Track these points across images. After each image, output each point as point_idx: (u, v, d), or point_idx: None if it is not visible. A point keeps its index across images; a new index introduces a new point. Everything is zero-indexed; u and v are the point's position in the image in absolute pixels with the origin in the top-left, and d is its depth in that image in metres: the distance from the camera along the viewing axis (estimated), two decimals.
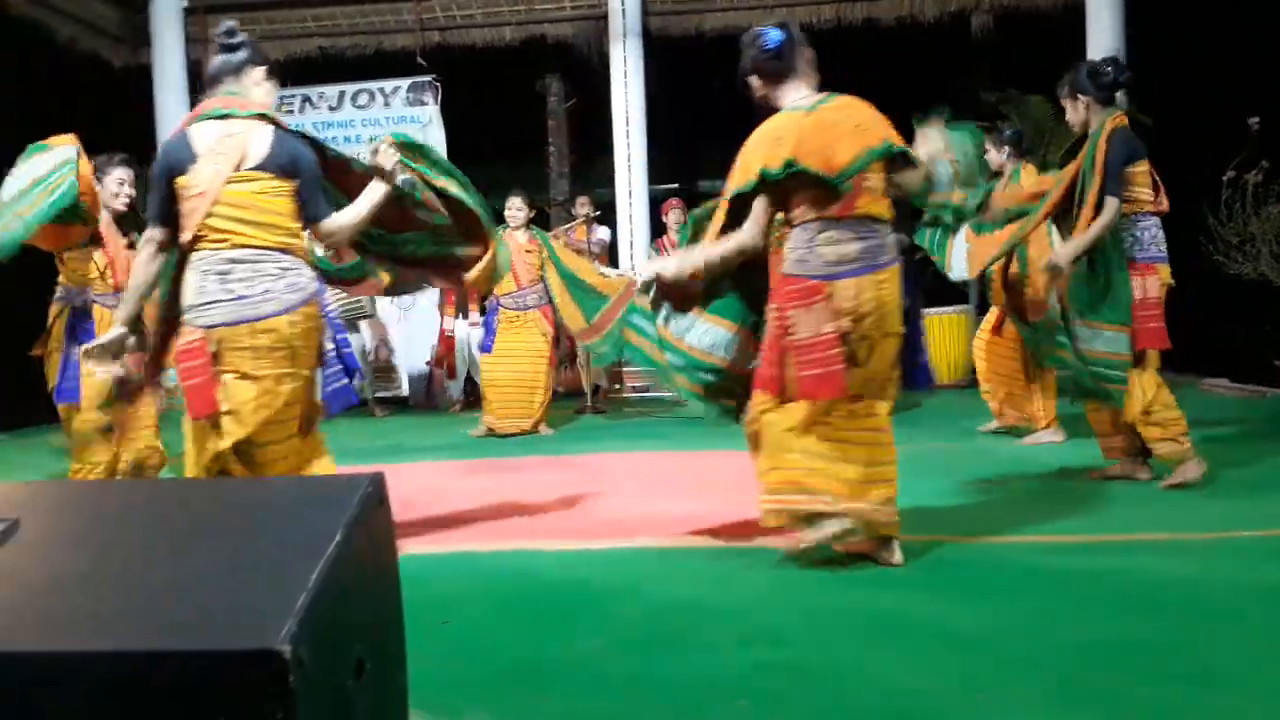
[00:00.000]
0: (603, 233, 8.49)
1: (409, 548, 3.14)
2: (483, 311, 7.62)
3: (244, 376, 2.85)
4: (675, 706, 2.05)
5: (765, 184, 2.98)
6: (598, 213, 8.19)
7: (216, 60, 3.11)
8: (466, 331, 8.31)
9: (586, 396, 8.01)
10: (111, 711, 1.30)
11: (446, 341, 8.45)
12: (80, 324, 4.16)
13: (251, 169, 2.90)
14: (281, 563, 1.41)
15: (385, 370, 8.86)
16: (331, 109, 10.12)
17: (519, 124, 10.83)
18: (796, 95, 3.10)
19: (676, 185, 11.78)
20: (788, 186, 2.98)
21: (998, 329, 5.57)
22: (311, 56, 10.18)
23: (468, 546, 3.51)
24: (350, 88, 10.04)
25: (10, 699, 1.29)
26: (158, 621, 1.35)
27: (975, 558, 3.11)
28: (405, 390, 9.02)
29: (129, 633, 1.33)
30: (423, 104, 9.85)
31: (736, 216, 3.10)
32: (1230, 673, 2.14)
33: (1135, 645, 2.31)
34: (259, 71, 3.13)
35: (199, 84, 10.22)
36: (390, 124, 9.89)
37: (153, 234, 3.02)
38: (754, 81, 3.18)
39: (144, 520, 1.59)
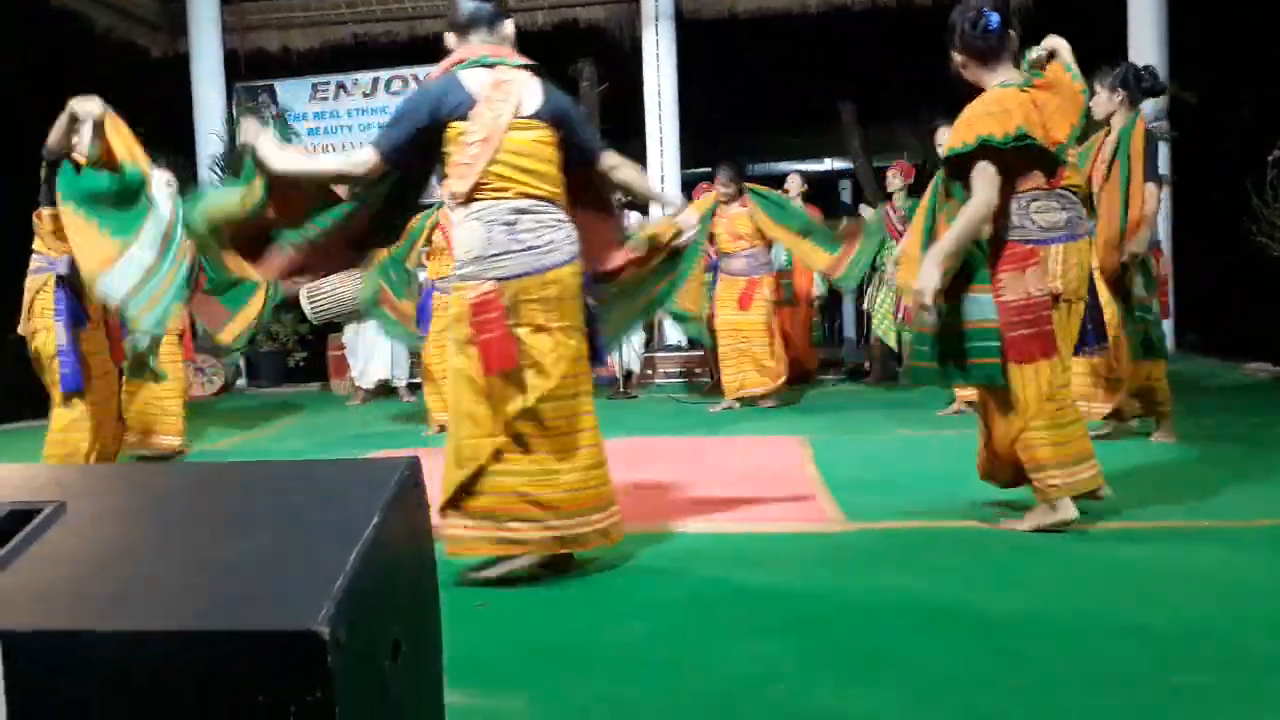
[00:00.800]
0: (634, 218, 8.47)
1: (446, 531, 3.16)
2: None
3: (539, 329, 2.81)
4: (712, 691, 2.06)
5: (989, 150, 3.03)
6: (628, 198, 8.18)
7: (466, 8, 3.03)
8: None
9: (619, 382, 8.02)
10: (151, 689, 1.32)
11: None
12: (68, 298, 3.88)
13: (528, 117, 2.85)
14: (320, 545, 1.42)
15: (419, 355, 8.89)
16: (365, 95, 10.18)
17: None
18: (1006, 74, 3.18)
19: (709, 169, 11.73)
20: (1009, 158, 3.06)
21: None
22: (345, 43, 10.24)
23: None
24: (384, 74, 10.09)
25: (53, 677, 1.32)
26: (199, 602, 1.37)
27: (1010, 544, 3.09)
28: None
29: (170, 613, 1.35)
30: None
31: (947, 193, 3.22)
32: (1268, 659, 2.11)
33: (1172, 632, 2.29)
34: (509, 24, 3.13)
35: (236, 71, 10.33)
36: None
37: (371, 160, 2.81)
38: (960, 58, 3.25)
39: (186, 502, 1.61)
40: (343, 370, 8.70)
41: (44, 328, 3.86)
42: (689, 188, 8.88)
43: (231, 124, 10.05)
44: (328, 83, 10.20)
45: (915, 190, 7.49)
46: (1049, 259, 3.10)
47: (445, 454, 2.87)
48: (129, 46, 9.91)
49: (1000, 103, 3.07)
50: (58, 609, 1.37)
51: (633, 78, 9.80)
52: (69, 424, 3.94)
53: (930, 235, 3.28)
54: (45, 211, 3.83)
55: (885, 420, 5.95)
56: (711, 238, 6.96)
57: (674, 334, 9.46)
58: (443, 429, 6.26)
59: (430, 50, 9.90)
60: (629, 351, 8.01)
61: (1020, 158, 3.06)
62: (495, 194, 2.79)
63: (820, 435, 5.38)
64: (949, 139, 3.17)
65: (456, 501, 2.83)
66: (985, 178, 3.03)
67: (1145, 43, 8.68)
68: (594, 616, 2.59)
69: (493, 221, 2.78)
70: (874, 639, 2.32)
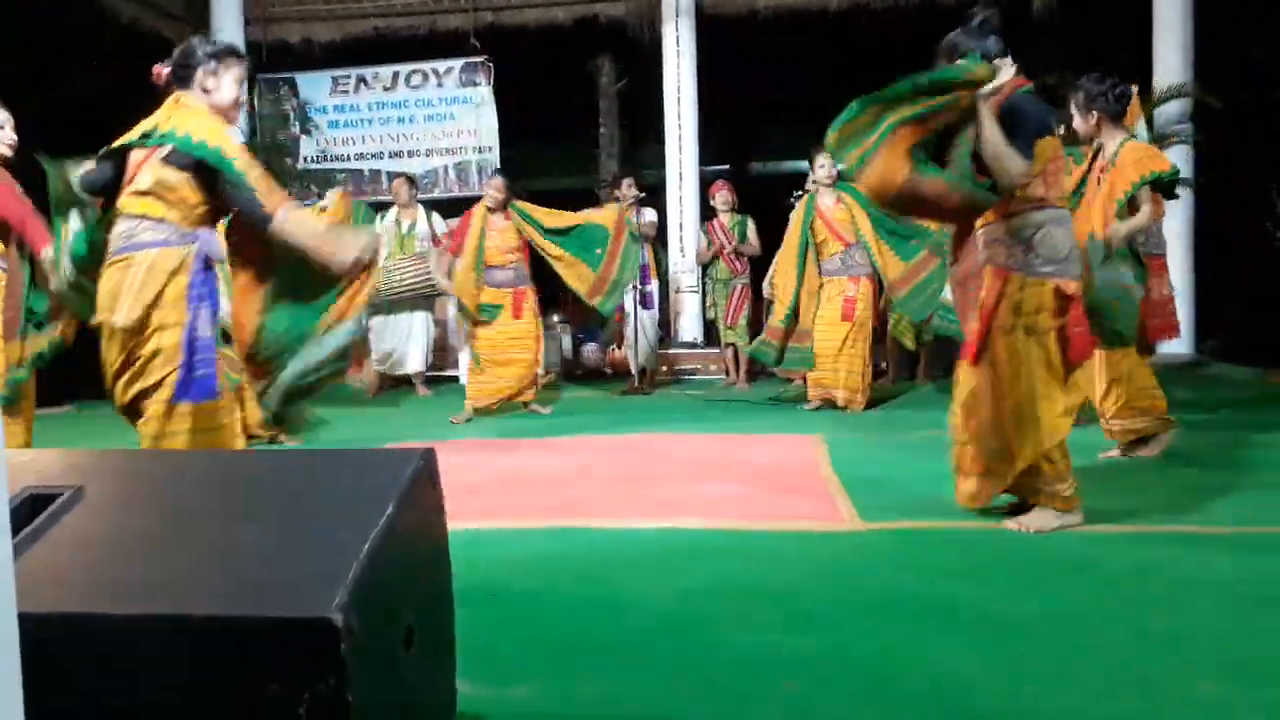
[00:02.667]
0: (650, 214, 8.47)
1: (457, 522, 3.17)
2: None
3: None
4: (720, 687, 2.06)
5: (1154, 182, 4.15)
6: (643, 195, 8.20)
7: (998, 45, 3.23)
8: None
9: (634, 378, 8.02)
10: (166, 674, 1.33)
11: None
12: (213, 282, 3.22)
13: None
14: (334, 534, 1.43)
15: (439, 350, 8.91)
16: (386, 89, 10.22)
17: (571, 105, 10.84)
18: (1123, 132, 4.23)
19: (727, 166, 11.71)
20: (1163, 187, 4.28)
21: None
22: (366, 36, 10.27)
23: (516, 523, 3.54)
24: (404, 68, 10.12)
25: (70, 660, 1.33)
26: (214, 589, 1.38)
27: (1023, 546, 3.07)
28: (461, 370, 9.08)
29: (187, 599, 1.36)
30: (475, 84, 9.91)
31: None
32: None
33: (1185, 636, 2.28)
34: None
35: (257, 63, 10.37)
36: (443, 104, 9.96)
37: (1028, 168, 3.09)
38: (1095, 117, 4.21)
39: (203, 490, 1.62)
40: (359, 362, 8.71)
41: (175, 320, 3.03)
42: (707, 185, 8.87)
43: (253, 116, 10.11)
44: (348, 76, 10.23)
45: None
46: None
47: (1020, 431, 3.17)
48: (152, 37, 9.96)
49: (1153, 150, 4.27)
50: (74, 593, 1.39)
51: (652, 74, 9.79)
52: (207, 444, 3.05)
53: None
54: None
55: (901, 421, 5.93)
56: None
57: (689, 331, 9.46)
58: (469, 420, 6.37)
59: (451, 45, 9.99)
60: (644, 348, 8.01)
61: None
62: (1058, 202, 3.22)
63: (836, 434, 5.37)
64: (1128, 173, 4.07)
65: (1037, 468, 3.20)
66: (1153, 199, 4.13)
67: (1169, 46, 8.60)
68: (605, 609, 2.59)
69: (1066, 226, 3.19)
70: (887, 639, 2.32)
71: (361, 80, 10.20)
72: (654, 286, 8.31)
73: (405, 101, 10.14)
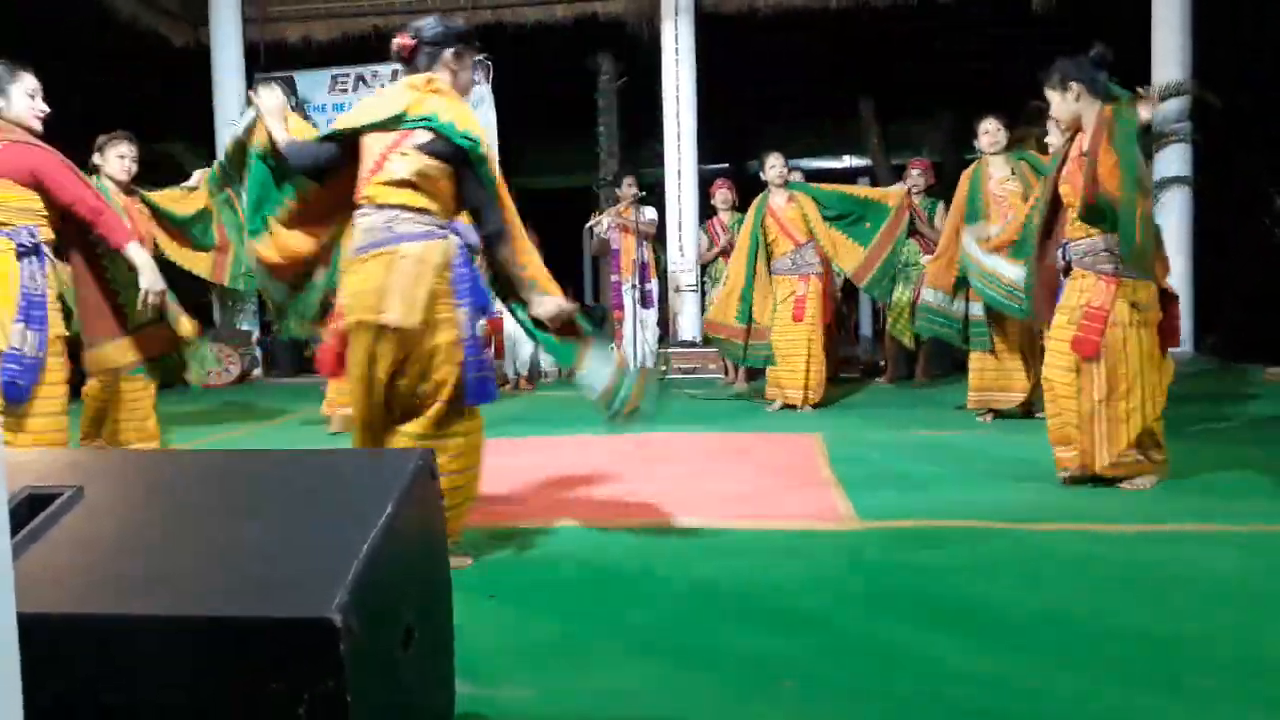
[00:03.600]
0: (650, 213, 8.47)
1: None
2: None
3: None
4: (720, 684, 2.06)
5: None
6: (643, 193, 8.18)
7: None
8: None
9: None
10: (165, 675, 1.33)
11: (493, 322, 8.47)
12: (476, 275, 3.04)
13: None
14: (333, 534, 1.43)
15: None
16: (384, 87, 10.21)
17: (570, 103, 10.83)
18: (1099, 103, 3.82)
19: (726, 165, 11.70)
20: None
21: None
22: (365, 35, 10.26)
23: (515, 522, 3.54)
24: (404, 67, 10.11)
25: (68, 660, 1.33)
26: (214, 589, 1.38)
27: (1024, 545, 3.07)
28: None
29: (186, 599, 1.36)
30: (474, 83, 9.90)
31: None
32: None
33: (1188, 634, 2.28)
34: None
35: (256, 62, 10.38)
36: None
37: None
38: (1075, 89, 3.71)
39: (201, 490, 1.62)
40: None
41: (448, 318, 2.82)
42: (706, 183, 8.87)
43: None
44: (347, 75, 10.23)
45: (931, 189, 7.45)
46: None
47: (1133, 406, 3.67)
48: (151, 36, 9.96)
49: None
50: (73, 593, 1.39)
51: (652, 72, 9.78)
52: (470, 448, 2.96)
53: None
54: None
55: (901, 419, 5.93)
56: None
57: (688, 330, 9.45)
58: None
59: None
60: (643, 348, 8.00)
61: None
62: None
63: (835, 433, 5.37)
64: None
65: (1141, 441, 3.75)
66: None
67: (1169, 43, 8.60)
68: (604, 608, 2.59)
69: None
70: (885, 637, 2.32)
71: (361, 79, 10.20)
72: (654, 285, 8.30)
73: None
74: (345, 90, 10.22)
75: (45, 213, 3.52)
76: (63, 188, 3.51)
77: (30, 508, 1.51)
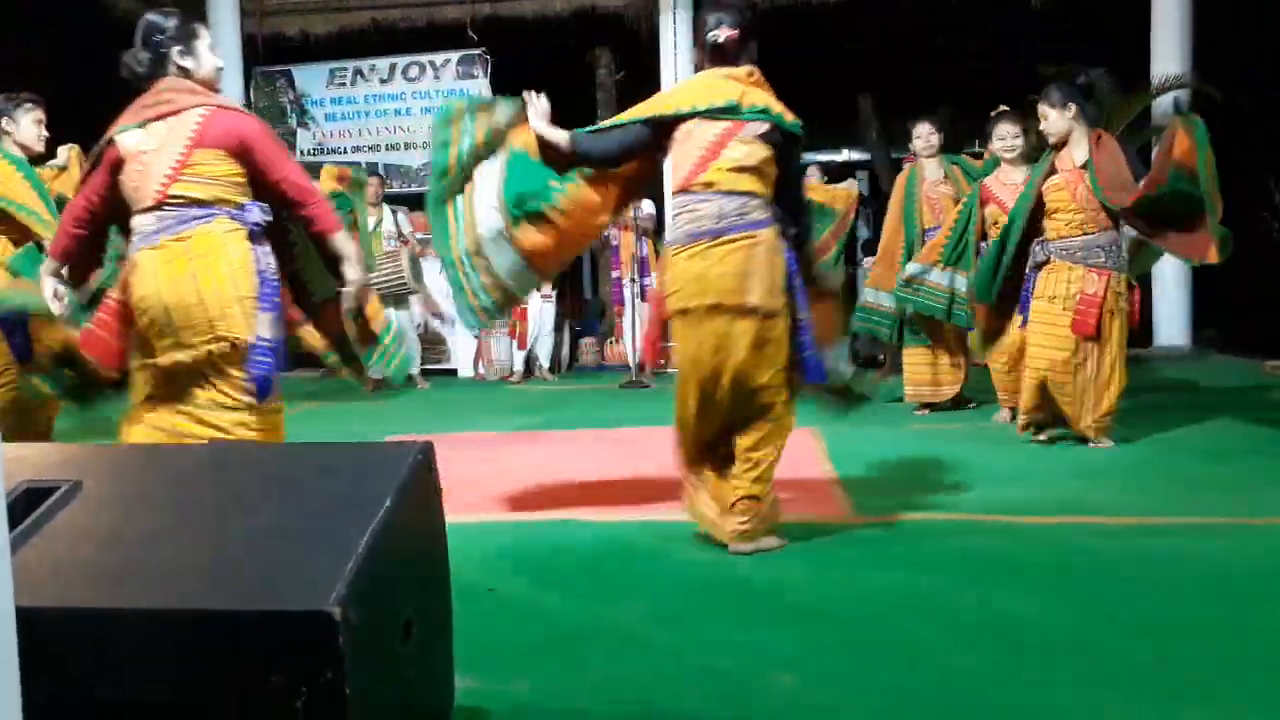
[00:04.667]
0: (648, 207, 8.45)
1: (455, 516, 3.17)
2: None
3: None
4: (717, 678, 2.06)
5: None
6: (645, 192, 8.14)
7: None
8: (540, 305, 8.29)
9: (632, 371, 8.01)
10: (165, 667, 1.33)
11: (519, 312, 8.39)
12: None
13: None
14: (332, 527, 1.43)
15: (435, 343, 8.90)
16: (383, 81, 10.19)
17: (568, 97, 10.79)
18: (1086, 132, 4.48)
19: None
20: None
21: None
22: (363, 29, 10.23)
23: (514, 515, 3.54)
24: (401, 60, 10.08)
25: (66, 653, 1.33)
26: (212, 582, 1.38)
27: (1019, 538, 3.07)
28: (455, 363, 9.06)
29: (185, 592, 1.36)
30: (473, 77, 9.87)
31: None
32: (1275, 658, 2.09)
33: (1183, 627, 2.28)
34: None
35: (254, 56, 10.35)
36: (441, 96, 9.91)
37: None
38: (1073, 110, 4.36)
39: (199, 483, 1.62)
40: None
41: (784, 303, 3.05)
42: None
43: (249, 107, 10.07)
44: (345, 69, 10.20)
45: None
46: None
47: (1112, 380, 4.32)
48: None
49: None
50: (72, 587, 1.39)
51: (650, 66, 9.76)
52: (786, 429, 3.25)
53: None
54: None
55: (897, 413, 5.93)
56: None
57: None
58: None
59: (448, 37, 9.94)
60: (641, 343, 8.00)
61: None
62: None
63: (832, 427, 5.36)
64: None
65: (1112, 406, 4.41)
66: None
67: (1169, 40, 8.58)
68: (603, 602, 2.59)
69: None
70: (881, 631, 2.32)
71: (358, 73, 10.17)
72: (653, 280, 8.29)
73: (402, 94, 10.10)
74: (343, 84, 10.20)
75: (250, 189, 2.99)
76: (272, 163, 2.97)
77: (28, 502, 1.51)
